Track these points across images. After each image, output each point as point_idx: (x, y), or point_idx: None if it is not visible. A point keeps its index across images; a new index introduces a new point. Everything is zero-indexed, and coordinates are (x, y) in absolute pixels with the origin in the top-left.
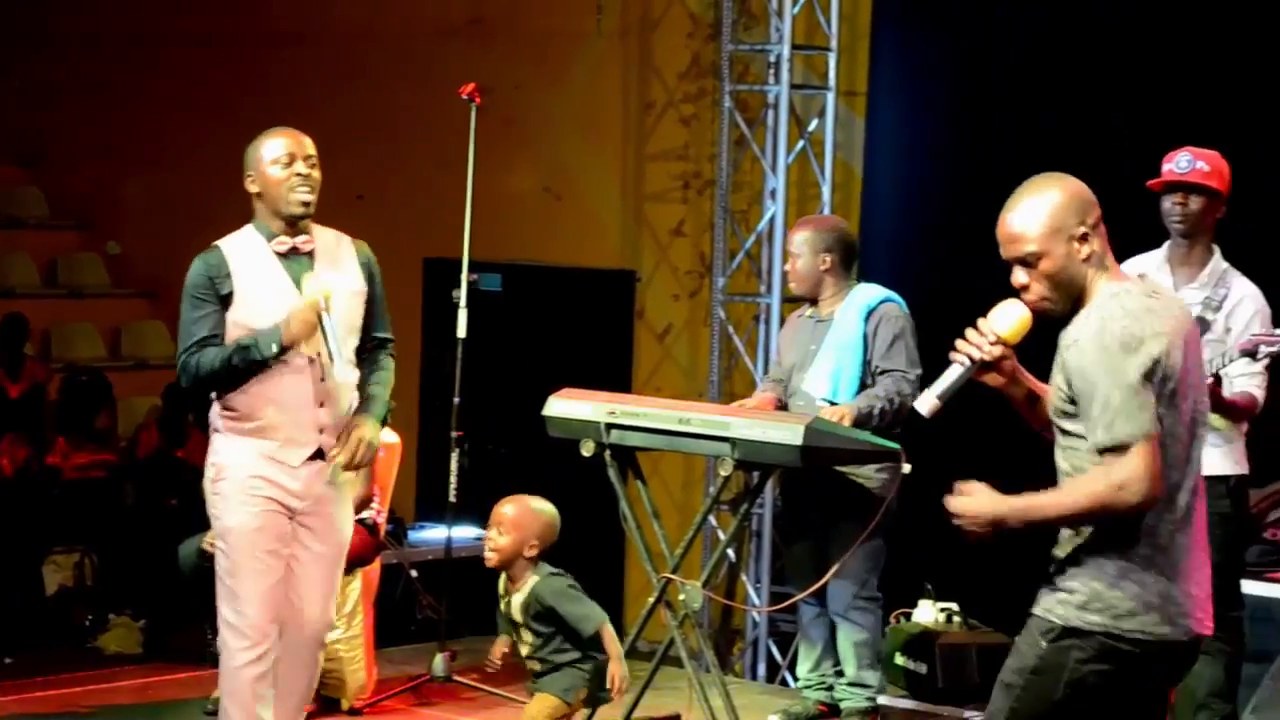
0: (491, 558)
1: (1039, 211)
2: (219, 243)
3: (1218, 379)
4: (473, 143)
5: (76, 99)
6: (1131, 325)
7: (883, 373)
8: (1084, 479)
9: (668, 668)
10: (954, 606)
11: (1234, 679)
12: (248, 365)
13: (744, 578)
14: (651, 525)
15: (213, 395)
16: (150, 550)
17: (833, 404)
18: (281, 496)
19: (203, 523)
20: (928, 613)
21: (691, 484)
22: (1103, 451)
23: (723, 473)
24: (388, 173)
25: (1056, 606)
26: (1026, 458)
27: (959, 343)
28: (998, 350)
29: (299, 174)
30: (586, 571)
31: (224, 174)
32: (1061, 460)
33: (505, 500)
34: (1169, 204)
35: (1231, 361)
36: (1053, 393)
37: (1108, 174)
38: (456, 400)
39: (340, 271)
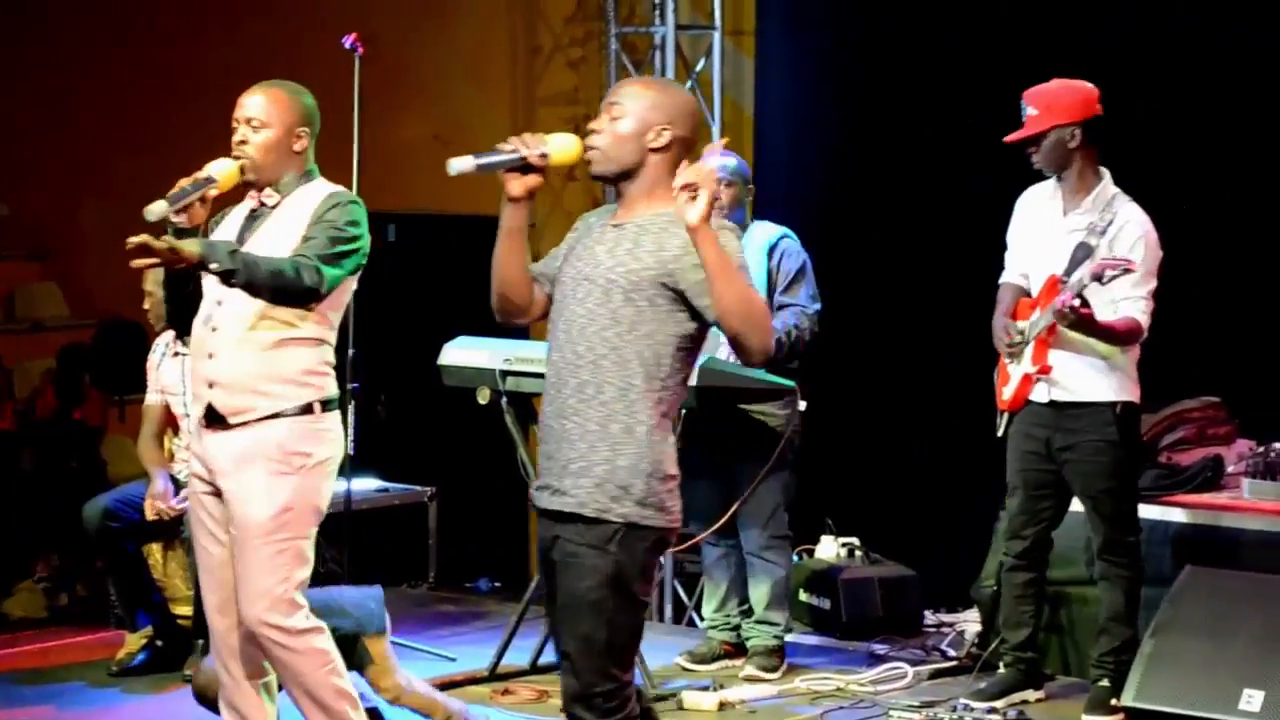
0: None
1: (645, 95)
2: None
3: (1083, 301)
4: (357, 92)
5: None
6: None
7: (781, 307)
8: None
9: None
10: (855, 541)
11: (1134, 603)
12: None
13: None
14: None
15: None
16: (52, 513)
17: None
18: (198, 468)
19: (105, 483)
20: (829, 548)
21: None
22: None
23: None
24: None
25: (615, 506)
26: (922, 394)
27: (516, 137)
28: (541, 163)
29: (237, 140)
30: (491, 520)
31: (112, 127)
32: (652, 322)
33: None
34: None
35: (1084, 286)
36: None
37: (997, 103)
38: (351, 352)
39: (280, 227)
